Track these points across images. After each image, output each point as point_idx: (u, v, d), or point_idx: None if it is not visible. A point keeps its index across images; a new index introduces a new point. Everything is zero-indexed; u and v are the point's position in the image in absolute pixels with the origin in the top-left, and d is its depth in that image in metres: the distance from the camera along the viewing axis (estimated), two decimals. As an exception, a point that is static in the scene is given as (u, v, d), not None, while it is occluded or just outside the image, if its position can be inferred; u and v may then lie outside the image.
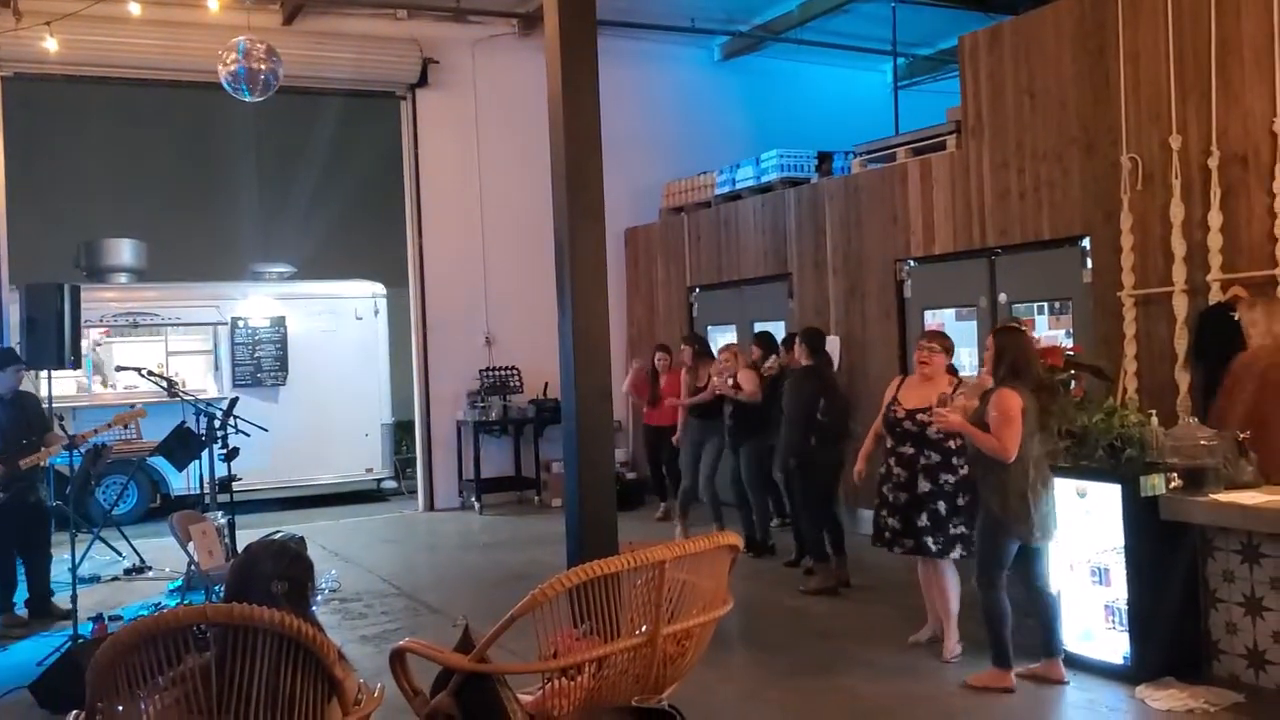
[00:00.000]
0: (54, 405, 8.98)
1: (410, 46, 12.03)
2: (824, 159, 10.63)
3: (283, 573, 3.46)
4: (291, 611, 3.19)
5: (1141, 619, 5.40)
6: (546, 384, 11.82)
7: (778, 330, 9.92)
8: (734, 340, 10.47)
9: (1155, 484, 5.43)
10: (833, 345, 9.16)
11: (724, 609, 4.35)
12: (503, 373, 12.06)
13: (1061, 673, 5.54)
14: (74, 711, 3.16)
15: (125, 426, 7.81)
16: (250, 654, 3.06)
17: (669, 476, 10.50)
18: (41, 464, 7.58)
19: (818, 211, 10.08)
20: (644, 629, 4.11)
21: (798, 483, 7.84)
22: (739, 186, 11.23)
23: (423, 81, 12.18)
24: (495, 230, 12.23)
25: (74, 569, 6.70)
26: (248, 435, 8.44)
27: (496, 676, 3.88)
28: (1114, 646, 5.51)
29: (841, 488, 7.95)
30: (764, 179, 10.88)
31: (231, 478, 8.33)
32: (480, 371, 12.05)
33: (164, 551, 9.39)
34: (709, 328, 11.55)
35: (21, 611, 7.62)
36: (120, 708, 3.06)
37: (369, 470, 13.33)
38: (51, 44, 9.65)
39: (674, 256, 12.23)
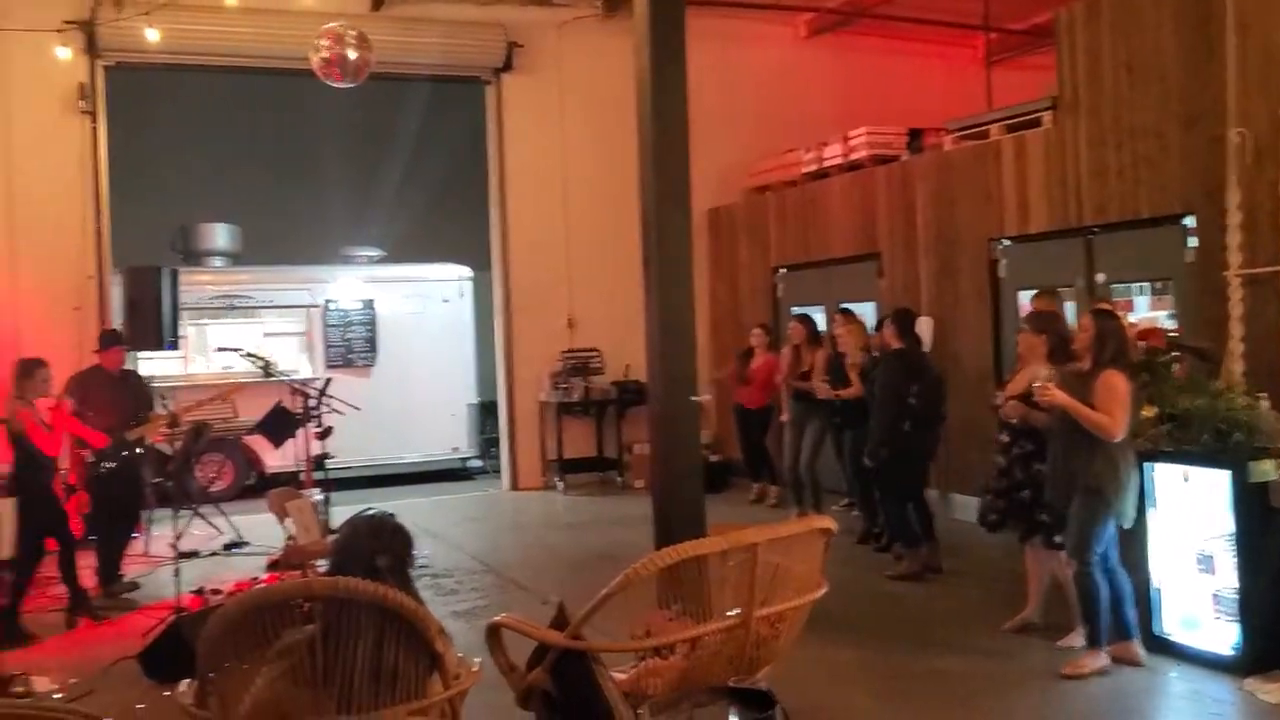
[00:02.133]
0: (155, 385, 9.23)
1: (495, 31, 12.09)
2: (914, 136, 10.44)
3: (384, 547, 3.51)
4: (393, 585, 3.23)
5: (1251, 609, 5.22)
6: (628, 366, 11.82)
7: (867, 311, 9.79)
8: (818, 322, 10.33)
9: (1265, 469, 5.25)
10: (925, 326, 9.01)
11: (818, 592, 4.32)
12: (584, 354, 12.11)
13: (1137, 654, 5.45)
14: (185, 680, 3.24)
15: (224, 400, 7.99)
16: (354, 627, 3.11)
17: (761, 457, 10.45)
18: (145, 439, 7.81)
19: (908, 189, 9.92)
20: (736, 611, 4.11)
21: (889, 468, 7.71)
22: (826, 164, 11.10)
23: (507, 66, 12.23)
24: (578, 213, 12.26)
25: (175, 543, 6.88)
26: (342, 414, 8.59)
27: (591, 654, 3.90)
28: (1221, 636, 5.34)
29: (932, 472, 7.82)
30: (852, 157, 10.73)
31: (325, 456, 8.50)
32: (562, 353, 12.11)
33: (260, 527, 9.61)
34: (794, 308, 11.46)
35: (131, 581, 7.83)
36: (230, 678, 3.12)
37: (455, 449, 13.53)
38: (152, 34, 9.89)
39: (758, 236, 12.14)
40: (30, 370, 7.09)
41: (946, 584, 7.37)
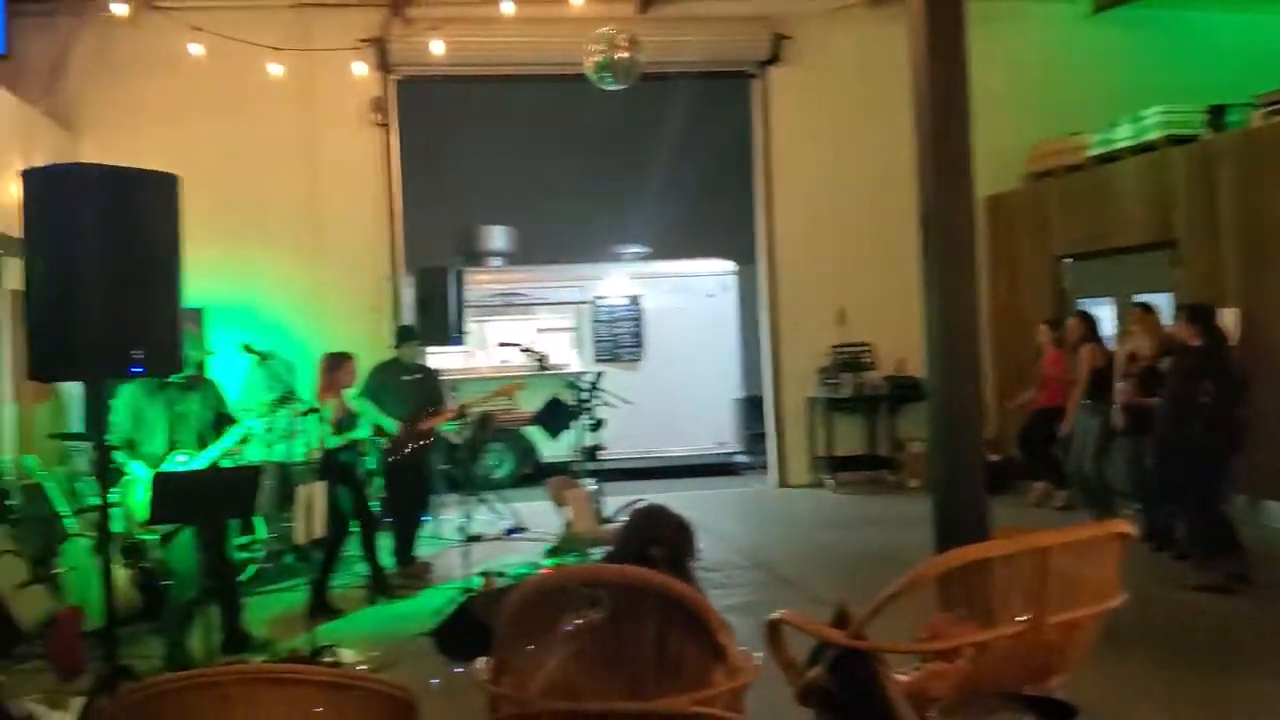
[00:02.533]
0: (442, 378, 9.75)
1: (761, 24, 12.06)
2: (1216, 113, 9.63)
3: (660, 538, 3.54)
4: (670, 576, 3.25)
5: None
6: (902, 360, 11.54)
7: (1163, 302, 9.11)
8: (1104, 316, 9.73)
9: None
10: (1229, 319, 8.30)
11: (1114, 600, 4.05)
12: (855, 349, 11.89)
13: None
14: (483, 658, 3.37)
15: (508, 397, 8.33)
16: (640, 615, 3.15)
17: (1044, 458, 9.97)
18: (436, 429, 8.26)
19: (1210, 171, 9.16)
20: (1025, 617, 3.91)
21: (1180, 471, 7.15)
22: (1115, 147, 10.41)
23: (774, 59, 12.19)
24: (847, 205, 12.05)
25: (464, 528, 7.24)
26: (615, 407, 8.79)
27: (874, 654, 3.81)
28: None
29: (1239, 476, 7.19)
30: (1145, 138, 10.02)
31: (597, 447, 8.73)
32: (831, 347, 11.94)
33: (538, 514, 9.99)
34: (1080, 301, 10.83)
35: (424, 562, 8.29)
36: (524, 657, 3.23)
37: (721, 444, 13.59)
38: (437, 46, 10.46)
39: (1039, 225, 11.53)
40: (339, 363, 7.71)
41: (1259, 597, 6.74)
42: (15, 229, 8.15)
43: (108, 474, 4.41)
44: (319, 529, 6.01)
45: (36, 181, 4.40)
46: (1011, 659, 3.91)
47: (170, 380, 5.93)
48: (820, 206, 12.09)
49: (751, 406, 13.83)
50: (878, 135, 11.26)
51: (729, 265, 13.88)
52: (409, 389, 8.15)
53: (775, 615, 4.03)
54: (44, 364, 4.29)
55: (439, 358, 11.79)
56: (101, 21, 10.50)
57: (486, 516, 10.21)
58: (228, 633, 6.19)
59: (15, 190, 8.55)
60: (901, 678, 3.95)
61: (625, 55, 8.84)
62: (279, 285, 11.07)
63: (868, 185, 11.78)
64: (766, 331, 12.40)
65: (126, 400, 5.93)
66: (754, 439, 13.78)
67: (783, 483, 12.18)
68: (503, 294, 13.80)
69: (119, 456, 5.92)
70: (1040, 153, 11.64)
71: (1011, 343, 11.19)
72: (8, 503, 7.15)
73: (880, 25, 11.35)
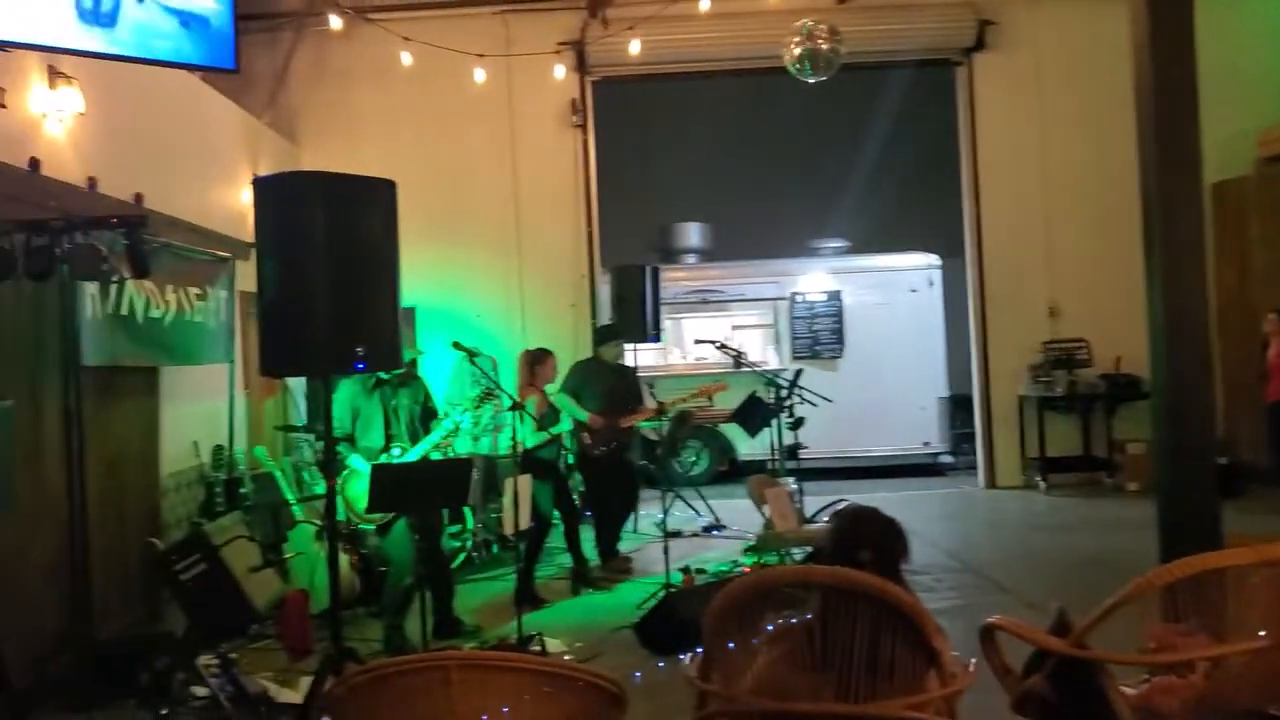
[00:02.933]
0: (640, 375, 9.85)
1: (964, 10, 11.70)
2: None
3: (868, 540, 3.46)
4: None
5: None
6: (1119, 357, 10.97)
7: None
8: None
9: None
10: None
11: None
12: (1069, 345, 11.37)
13: None
14: (690, 653, 3.37)
15: (709, 398, 8.34)
16: (851, 617, 3.08)
17: None
18: (636, 426, 8.35)
19: None
20: (1264, 632, 3.63)
21: None
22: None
23: (979, 45, 11.80)
24: (1059, 195, 11.57)
25: (663, 523, 7.28)
26: (814, 405, 8.67)
27: (1098, 664, 3.62)
28: None
29: None
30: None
31: (798, 445, 8.63)
32: (1043, 344, 11.46)
33: (735, 512, 9.98)
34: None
35: (625, 556, 8.38)
36: (732, 654, 3.21)
37: (925, 444, 13.23)
38: (635, 46, 10.57)
39: (1273, 212, 10.75)
40: (541, 359, 7.89)
41: None
42: (244, 233, 8.76)
43: (332, 464, 4.62)
44: (524, 521, 6.16)
45: (266, 189, 4.66)
46: (1251, 677, 3.65)
47: (383, 377, 6.23)
48: (1030, 197, 11.65)
49: (958, 405, 13.44)
50: (1091, 121, 10.83)
51: (933, 259, 13.50)
52: (609, 386, 8.25)
53: (990, 620, 3.89)
54: (274, 360, 4.53)
55: (635, 355, 11.94)
56: (318, 35, 11.12)
57: (685, 513, 10.26)
58: (439, 618, 6.42)
59: (244, 197, 9.21)
60: (1128, 690, 3.74)
61: (825, 46, 8.73)
62: (482, 284, 11.44)
63: (1080, 174, 11.35)
64: (974, 327, 12.02)
65: (345, 396, 6.25)
66: (960, 439, 13.40)
67: (991, 484, 11.78)
68: (698, 291, 13.82)
69: (340, 448, 6.25)
70: (1272, 137, 10.84)
71: (1241, 336, 10.47)
72: (241, 491, 7.63)
73: (1095, 6, 10.90)
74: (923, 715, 3.14)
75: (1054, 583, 7.18)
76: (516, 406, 6.51)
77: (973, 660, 3.55)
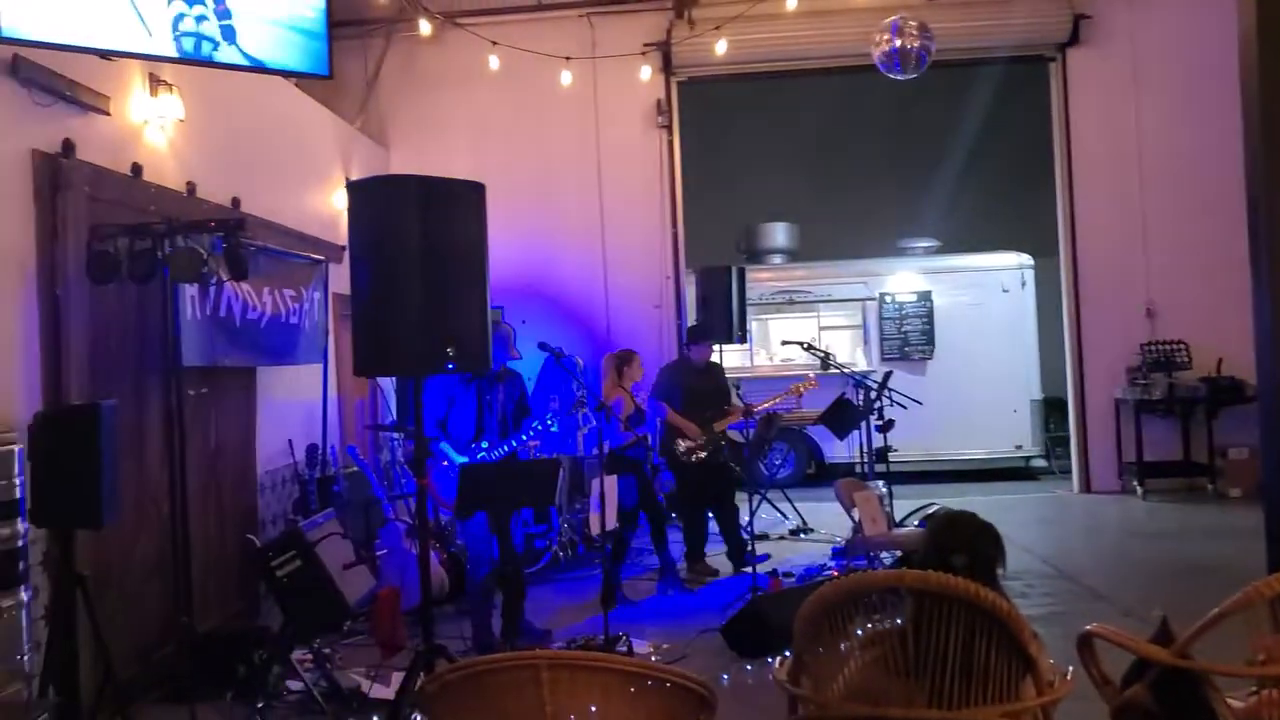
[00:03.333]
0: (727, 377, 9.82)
1: (1059, 4, 11.46)
2: None
3: (961, 545, 3.40)
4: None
5: None
6: (1220, 360, 10.64)
7: None
8: None
9: None
10: None
11: None
12: (1167, 347, 11.05)
13: None
14: (781, 655, 3.35)
15: (798, 396, 8.28)
16: (945, 622, 3.03)
17: None
18: (724, 429, 8.31)
19: None
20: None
21: None
22: None
23: (1073, 40, 11.55)
24: (1157, 192, 11.27)
25: (749, 526, 7.25)
26: (904, 408, 8.56)
27: (1202, 675, 3.50)
28: None
29: None
30: None
31: (887, 448, 8.52)
32: (1141, 346, 11.16)
33: (821, 515, 9.90)
34: None
35: (712, 562, 8.36)
36: (823, 658, 3.17)
37: (1018, 447, 12.99)
38: (722, 46, 10.56)
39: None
40: (627, 359, 7.91)
41: None
42: (336, 236, 8.93)
43: (423, 463, 4.68)
44: (609, 521, 6.17)
45: (360, 192, 4.73)
46: (1370, 692, 3.51)
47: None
48: (1126, 195, 11.37)
49: (1051, 408, 13.17)
50: (1191, 117, 10.59)
51: (1025, 258, 13.24)
52: (699, 387, 8.22)
53: (1089, 628, 3.79)
54: (366, 361, 4.60)
55: (720, 356, 11.92)
56: (408, 40, 11.29)
57: (771, 516, 10.21)
58: (507, 621, 6.39)
59: (337, 201, 9.39)
60: (1235, 704, 3.62)
61: (915, 43, 8.61)
62: (567, 286, 11.50)
63: (1180, 171, 11.07)
64: (1068, 328, 11.75)
65: (442, 385, 6.36)
66: (1055, 442, 13.12)
67: (1086, 489, 11.51)
68: (785, 292, 13.74)
69: (432, 435, 6.39)
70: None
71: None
72: (334, 489, 7.78)
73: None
74: (1019, 724, 3.08)
75: (1153, 590, 6.99)
76: (600, 407, 6.53)
77: (1070, 668, 3.47)
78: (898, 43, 8.71)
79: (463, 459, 6.26)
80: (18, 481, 4.37)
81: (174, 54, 5.48)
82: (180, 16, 5.36)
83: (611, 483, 6.34)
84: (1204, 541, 8.73)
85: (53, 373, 5.21)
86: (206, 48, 5.48)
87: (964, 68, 12.73)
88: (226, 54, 5.57)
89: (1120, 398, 11.30)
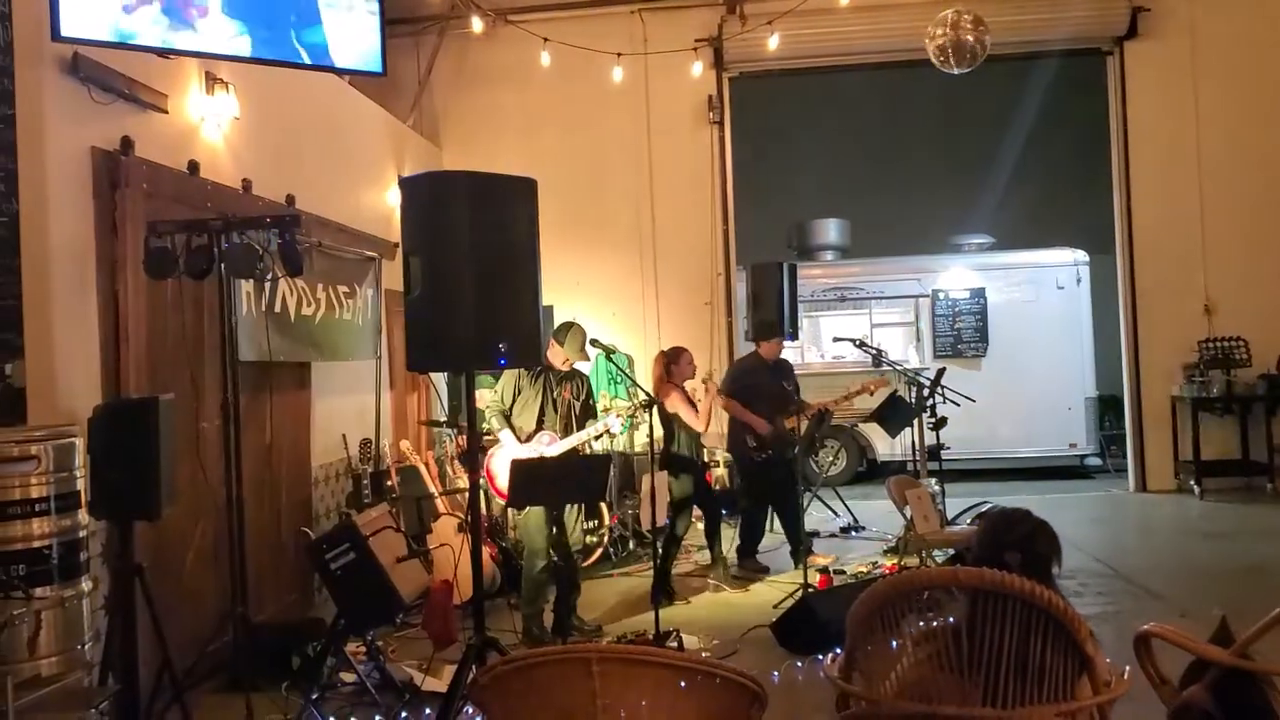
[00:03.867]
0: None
1: (1117, -2, 11.28)
2: None
3: (1016, 543, 3.37)
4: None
5: None
6: (1280, 357, 10.46)
7: None
8: None
9: None
10: None
11: None
12: (1226, 344, 10.85)
13: None
14: (833, 652, 3.33)
15: (870, 393, 8.24)
16: (1000, 620, 3.00)
17: None
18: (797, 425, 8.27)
19: None
20: None
21: None
22: None
23: (1131, 33, 11.36)
24: (1215, 188, 11.09)
25: (799, 523, 7.21)
26: (957, 405, 8.48)
27: (1263, 677, 3.44)
28: None
29: None
30: None
31: (940, 446, 8.44)
32: (1199, 343, 10.96)
33: (873, 513, 9.84)
34: None
35: (764, 559, 8.32)
36: (875, 655, 3.15)
37: (1072, 445, 12.83)
38: (774, 41, 10.51)
39: None
40: (677, 356, 7.90)
41: None
42: (389, 233, 9.01)
43: (475, 458, 4.70)
44: (661, 517, 6.17)
45: (413, 188, 4.75)
46: None
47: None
48: (1184, 190, 11.18)
49: (1107, 406, 12.98)
50: (1252, 111, 10.46)
51: (1080, 255, 13.07)
52: (771, 385, 8.15)
53: (1146, 627, 3.74)
54: (419, 356, 4.63)
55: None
56: (460, 38, 11.35)
57: (822, 513, 10.16)
58: (559, 615, 6.46)
59: (390, 198, 9.47)
60: (1299, 706, 3.55)
61: (970, 37, 8.52)
62: (617, 282, 11.50)
63: (1239, 166, 10.93)
64: (1124, 325, 11.57)
65: (511, 375, 6.44)
66: (1110, 441, 12.94)
67: (1141, 487, 11.34)
68: (836, 288, 13.67)
69: (494, 421, 6.42)
70: None
71: None
72: (386, 483, 7.85)
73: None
74: (1075, 724, 3.04)
75: (1210, 591, 6.88)
76: (651, 404, 6.53)
77: (1126, 668, 3.42)
78: (953, 37, 8.61)
79: (521, 451, 6.31)
80: (78, 474, 4.45)
81: (231, 52, 5.55)
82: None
83: (663, 479, 6.35)
84: (1263, 542, 8.57)
85: (112, 367, 5.30)
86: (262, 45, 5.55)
87: (1019, 62, 12.56)
88: (282, 47, 5.64)
89: (1177, 395, 11.11)
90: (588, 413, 6.66)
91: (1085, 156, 12.79)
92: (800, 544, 7.91)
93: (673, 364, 7.87)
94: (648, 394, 6.68)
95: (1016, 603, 3.01)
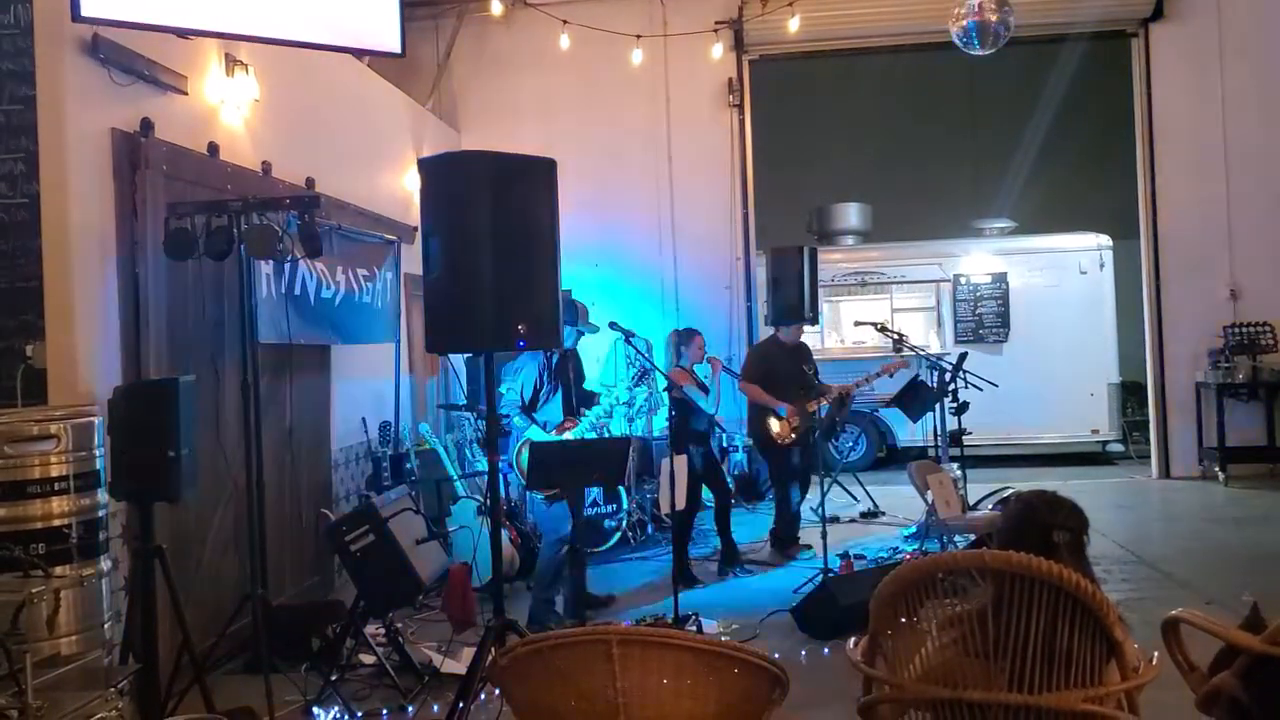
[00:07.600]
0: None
1: (1142, -22, 11.15)
2: None
3: (1063, 523, 3.32)
4: (1068, 564, 3.02)
5: None
6: (1309, 342, 10.34)
7: None
8: None
9: None
10: None
11: None
12: (1252, 329, 10.73)
13: None
14: (856, 637, 3.30)
15: (890, 375, 8.20)
16: (1026, 604, 2.96)
17: None
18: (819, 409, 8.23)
19: None
20: None
21: None
22: None
23: (1156, 15, 11.24)
24: (1241, 172, 10.97)
25: (821, 508, 7.17)
26: (979, 390, 8.41)
27: (1294, 664, 3.38)
28: None
29: None
30: None
31: (961, 431, 8.38)
32: (1224, 328, 10.84)
33: (893, 498, 9.79)
34: None
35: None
36: (899, 639, 3.12)
37: (1094, 431, 12.73)
38: (795, 23, 10.43)
39: None
40: (689, 338, 7.86)
41: None
42: (408, 217, 8.99)
43: (494, 441, 4.69)
44: (680, 501, 6.14)
45: (432, 169, 4.73)
46: None
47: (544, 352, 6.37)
48: (1210, 174, 11.06)
49: (1130, 391, 12.87)
50: (1278, 93, 10.12)
51: (1104, 239, 12.94)
52: (793, 369, 8.10)
53: (1175, 613, 3.68)
54: (438, 339, 4.61)
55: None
56: (479, 20, 11.31)
57: (842, 498, 10.12)
58: (573, 595, 6.43)
59: (409, 182, 9.45)
60: (1328, 694, 3.50)
61: (993, 19, 8.42)
62: (636, 265, 11.46)
63: (1265, 148, 10.83)
64: (1148, 310, 11.48)
65: (533, 371, 6.41)
66: (1133, 427, 12.84)
67: (1165, 474, 11.27)
68: (857, 273, 13.58)
69: (518, 420, 6.41)
70: None
71: None
72: (406, 466, 7.85)
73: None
74: (1102, 709, 3.00)
75: (1237, 578, 6.80)
76: (668, 387, 6.50)
77: (1155, 654, 3.38)
78: (976, 18, 8.51)
79: (541, 435, 6.31)
80: (98, 454, 4.45)
81: (251, 32, 5.53)
82: None
83: (681, 462, 6.32)
84: (1287, 528, 8.50)
85: (132, 348, 5.30)
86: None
87: (1043, 44, 12.42)
88: (301, 26, 5.61)
89: (1202, 381, 11.01)
90: (588, 396, 6.67)
91: (1109, 140, 12.67)
92: (785, 534, 7.88)
93: (682, 346, 7.83)
94: (667, 377, 6.65)
95: (1045, 587, 2.96)
